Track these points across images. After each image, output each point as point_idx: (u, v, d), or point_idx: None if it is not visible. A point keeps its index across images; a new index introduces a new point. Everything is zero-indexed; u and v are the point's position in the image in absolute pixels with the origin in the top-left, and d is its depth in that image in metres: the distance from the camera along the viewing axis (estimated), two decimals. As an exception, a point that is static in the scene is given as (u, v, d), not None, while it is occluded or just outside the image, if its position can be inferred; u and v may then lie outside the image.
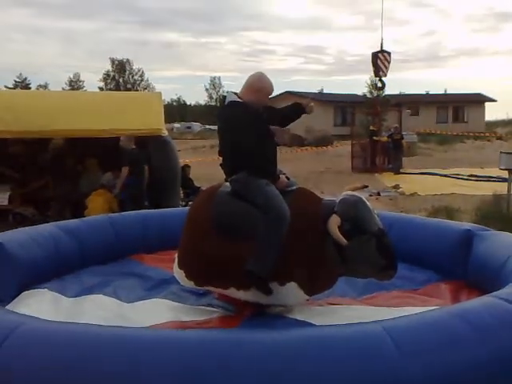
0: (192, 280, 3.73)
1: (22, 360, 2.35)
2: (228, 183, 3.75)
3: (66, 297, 3.96)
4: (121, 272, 4.61)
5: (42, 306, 3.68)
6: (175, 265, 3.87)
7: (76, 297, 3.99)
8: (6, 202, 8.72)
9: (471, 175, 16.43)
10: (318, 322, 3.43)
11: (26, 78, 69.50)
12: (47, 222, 6.63)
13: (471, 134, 29.15)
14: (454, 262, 4.37)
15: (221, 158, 3.85)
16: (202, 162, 17.96)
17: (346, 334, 2.39)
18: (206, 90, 77.82)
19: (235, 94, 3.78)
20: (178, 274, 3.83)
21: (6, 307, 3.44)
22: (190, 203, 10.24)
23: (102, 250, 4.82)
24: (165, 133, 9.23)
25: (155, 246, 5.21)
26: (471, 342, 2.38)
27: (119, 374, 2.25)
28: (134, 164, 8.17)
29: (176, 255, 3.90)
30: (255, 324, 3.47)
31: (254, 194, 3.52)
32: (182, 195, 10.20)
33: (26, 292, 3.92)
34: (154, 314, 3.67)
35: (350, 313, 3.60)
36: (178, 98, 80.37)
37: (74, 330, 2.51)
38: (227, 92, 3.85)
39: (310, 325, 3.38)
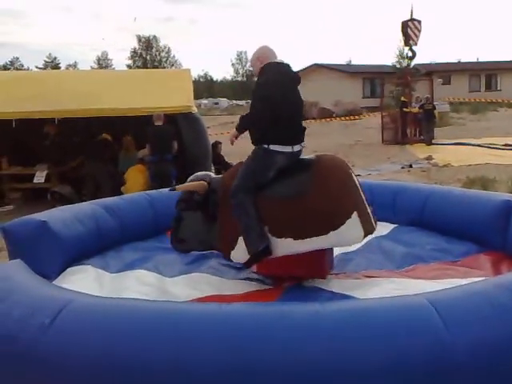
0: None
1: (74, 335, 2.44)
2: None
3: (108, 272, 4.07)
4: (160, 247, 4.69)
5: (86, 281, 3.79)
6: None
7: (118, 272, 4.09)
8: (42, 181, 8.92)
9: (506, 144, 16.02)
10: (358, 294, 3.45)
11: (55, 58, 70.40)
12: (84, 201, 6.79)
13: (505, 101, 28.25)
14: (494, 233, 4.32)
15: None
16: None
17: (390, 307, 2.39)
18: (232, 64, 77.50)
19: None
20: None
21: (52, 283, 3.56)
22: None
23: (141, 227, 4.92)
24: (194, 110, 9.25)
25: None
26: (517, 313, 2.36)
27: (167, 348, 2.31)
28: (156, 141, 8.11)
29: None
30: (294, 297, 3.50)
31: None
32: (213, 171, 10.26)
33: (71, 268, 4.04)
34: (194, 288, 3.75)
35: (389, 285, 3.59)
36: (205, 74, 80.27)
37: (123, 306, 2.59)
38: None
39: (351, 298, 3.39)
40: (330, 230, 3.61)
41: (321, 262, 3.94)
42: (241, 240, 3.65)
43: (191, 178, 4.03)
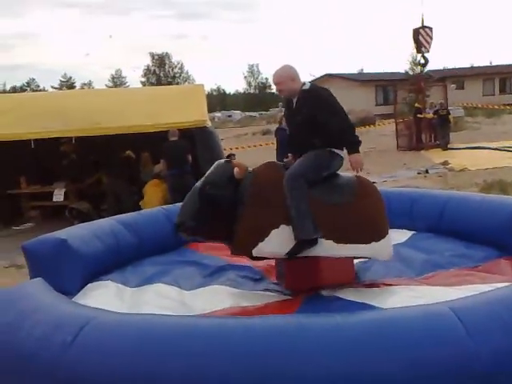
0: None
1: (96, 353, 2.46)
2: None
3: (128, 287, 4.09)
4: (178, 261, 4.72)
5: (107, 297, 3.81)
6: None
7: (138, 287, 4.11)
8: (62, 199, 9.03)
9: (523, 147, 15.84)
10: (377, 303, 3.43)
11: (70, 78, 71.52)
12: (101, 216, 6.87)
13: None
14: (514, 238, 4.26)
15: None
16: (246, 149, 18.05)
17: (411, 317, 2.37)
18: (245, 77, 77.95)
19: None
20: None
21: (73, 299, 3.59)
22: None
23: (159, 241, 4.94)
24: (209, 124, 9.34)
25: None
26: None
27: (190, 364, 2.32)
28: (173, 155, 8.30)
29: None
30: (313, 308, 3.48)
31: None
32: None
33: (91, 284, 4.07)
34: (214, 300, 3.75)
35: (409, 293, 3.56)
36: (218, 88, 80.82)
37: (144, 322, 2.60)
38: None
39: (370, 307, 3.37)
40: (372, 241, 3.80)
41: (350, 267, 4.05)
42: (275, 233, 3.65)
43: (217, 163, 3.91)
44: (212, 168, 3.88)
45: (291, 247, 3.67)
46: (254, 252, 3.74)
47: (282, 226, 3.67)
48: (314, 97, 3.89)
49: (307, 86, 3.98)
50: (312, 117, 3.81)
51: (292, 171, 3.76)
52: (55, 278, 3.69)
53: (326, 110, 3.82)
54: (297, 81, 3.98)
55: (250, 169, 3.91)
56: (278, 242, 3.66)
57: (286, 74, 3.97)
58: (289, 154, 4.16)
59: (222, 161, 3.92)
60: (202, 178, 3.84)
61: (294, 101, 4.00)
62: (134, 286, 4.10)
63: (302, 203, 3.66)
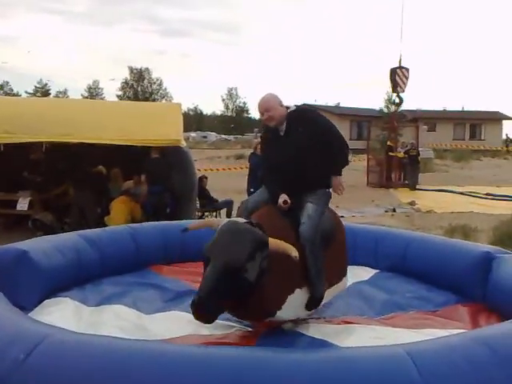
0: None
1: (48, 372, 2.41)
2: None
3: (86, 306, 4.01)
4: (140, 282, 4.65)
5: (63, 314, 3.73)
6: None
7: (96, 306, 4.03)
8: (26, 208, 8.83)
9: (487, 194, 16.30)
10: (337, 341, 3.44)
11: (46, 84, 70.62)
12: (64, 229, 6.73)
13: (487, 147, 28.88)
14: (473, 285, 4.35)
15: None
16: (218, 173, 18.08)
17: (368, 358, 2.39)
18: (223, 100, 78.40)
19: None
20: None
21: (29, 314, 3.50)
22: (205, 214, 10.31)
23: (123, 260, 4.87)
24: (183, 144, 9.32)
25: (174, 257, 5.26)
26: (493, 368, 2.38)
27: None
28: (153, 173, 8.28)
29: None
30: (273, 341, 3.46)
31: None
32: (198, 205, 10.24)
33: (49, 300, 3.99)
34: (173, 326, 3.69)
35: (368, 333, 3.59)
36: (195, 108, 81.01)
37: (99, 343, 2.55)
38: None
39: (329, 344, 3.38)
40: (342, 276, 4.03)
41: None
42: (290, 299, 3.46)
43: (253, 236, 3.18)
44: (250, 245, 3.12)
45: (307, 304, 3.65)
46: (270, 319, 3.54)
47: (297, 291, 3.52)
48: (308, 115, 3.83)
49: (293, 108, 3.84)
50: (311, 134, 3.65)
51: (310, 231, 3.52)
52: (12, 291, 3.61)
53: (324, 127, 3.74)
54: (283, 107, 3.80)
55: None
56: (293, 307, 3.51)
57: (274, 100, 3.78)
58: (284, 196, 3.62)
59: (261, 237, 3.20)
60: (231, 253, 3.05)
61: (283, 127, 3.77)
62: (92, 305, 4.03)
63: (321, 261, 3.59)
